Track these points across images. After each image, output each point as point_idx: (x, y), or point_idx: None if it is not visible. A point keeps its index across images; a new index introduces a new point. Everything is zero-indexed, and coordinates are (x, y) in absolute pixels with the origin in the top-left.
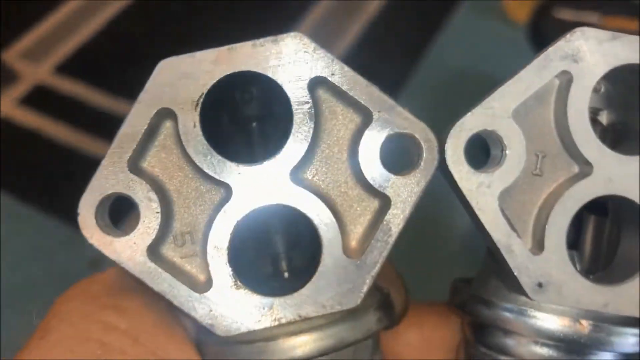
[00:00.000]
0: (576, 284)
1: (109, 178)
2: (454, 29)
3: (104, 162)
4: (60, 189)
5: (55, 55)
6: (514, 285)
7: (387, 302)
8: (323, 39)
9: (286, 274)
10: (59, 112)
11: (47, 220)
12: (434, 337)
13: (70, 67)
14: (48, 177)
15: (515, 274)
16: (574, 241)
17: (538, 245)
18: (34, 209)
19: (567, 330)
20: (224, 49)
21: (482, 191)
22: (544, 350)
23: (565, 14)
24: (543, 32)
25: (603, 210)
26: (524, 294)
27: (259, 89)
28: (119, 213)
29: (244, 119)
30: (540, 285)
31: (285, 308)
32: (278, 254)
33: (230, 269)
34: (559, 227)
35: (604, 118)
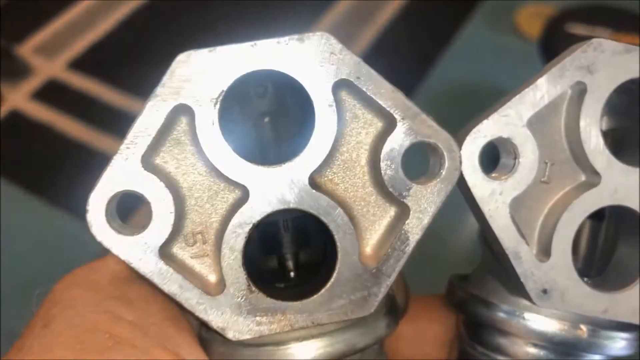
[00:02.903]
0: (579, 291)
1: (121, 175)
2: (465, 42)
3: (116, 158)
4: (69, 183)
5: (69, 51)
6: (517, 289)
7: (394, 306)
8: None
9: (292, 273)
10: (71, 107)
11: (54, 213)
12: (428, 332)
13: (84, 63)
14: (57, 171)
15: (521, 279)
16: None
17: (544, 252)
18: (42, 201)
19: (567, 334)
20: (246, 45)
21: (494, 198)
22: (539, 352)
23: (577, 28)
24: (555, 47)
25: (599, 215)
26: (528, 298)
27: (274, 83)
28: (123, 208)
29: (257, 113)
30: (545, 291)
31: (299, 313)
32: (286, 252)
33: (244, 272)
34: (565, 235)
35: (603, 124)
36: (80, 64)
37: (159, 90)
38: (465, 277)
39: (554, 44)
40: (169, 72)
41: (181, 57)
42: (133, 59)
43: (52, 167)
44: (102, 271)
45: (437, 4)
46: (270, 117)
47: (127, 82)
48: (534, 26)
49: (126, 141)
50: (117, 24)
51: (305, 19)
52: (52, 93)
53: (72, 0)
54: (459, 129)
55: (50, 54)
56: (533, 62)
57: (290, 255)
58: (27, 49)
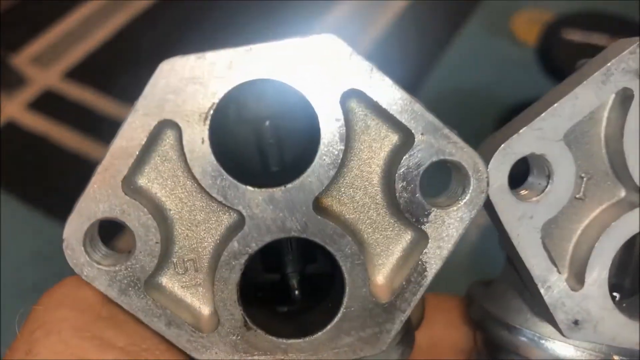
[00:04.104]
0: (613, 321)
1: (100, 200)
2: (461, 48)
3: (93, 181)
4: (65, 193)
5: (64, 61)
6: (543, 314)
7: (409, 329)
8: None
9: (297, 292)
10: (67, 117)
11: (51, 223)
12: (444, 338)
13: (80, 73)
14: (53, 181)
15: (550, 310)
16: None
17: (577, 279)
18: (38, 212)
19: None
20: (240, 50)
21: (524, 222)
22: None
23: (575, 35)
24: (552, 53)
25: None
26: (557, 328)
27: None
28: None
29: (256, 116)
30: (576, 322)
31: (301, 352)
32: (289, 272)
33: (240, 308)
34: (602, 261)
35: None
36: (76, 74)
37: (140, 103)
38: (487, 283)
39: (551, 50)
40: (151, 82)
41: (165, 65)
42: (129, 68)
43: (49, 178)
44: (92, 287)
45: (433, 10)
46: (271, 120)
47: (123, 91)
48: (530, 32)
49: (104, 162)
50: (113, 33)
51: (301, 27)
52: (48, 103)
53: (67, 10)
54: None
55: (45, 63)
56: (529, 68)
57: (294, 274)
58: (22, 59)
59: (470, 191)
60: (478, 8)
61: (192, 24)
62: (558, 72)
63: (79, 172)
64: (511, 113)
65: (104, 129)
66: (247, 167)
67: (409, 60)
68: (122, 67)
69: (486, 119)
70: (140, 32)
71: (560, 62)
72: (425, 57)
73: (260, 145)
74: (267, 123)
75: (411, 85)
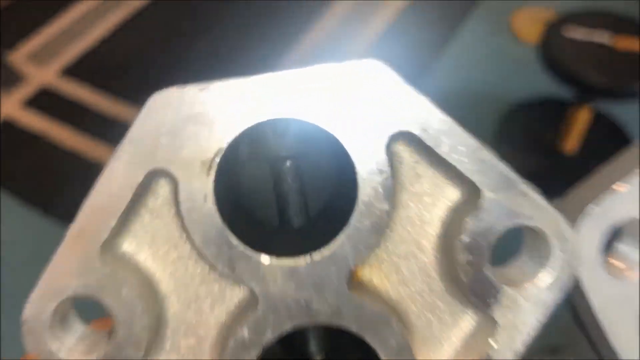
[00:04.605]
0: None
1: (72, 273)
2: (463, 47)
3: (64, 246)
4: (62, 192)
5: (61, 59)
6: None
7: None
8: (331, 51)
9: None
10: (64, 115)
11: (48, 223)
12: None
13: (77, 71)
14: (51, 180)
15: None
16: None
17: None
18: (36, 211)
19: None
20: (255, 79)
21: (619, 306)
22: None
23: (576, 33)
24: (553, 51)
25: None
26: None
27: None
28: None
29: (275, 156)
30: None
31: None
32: (313, 353)
33: None
34: None
35: None
36: (73, 71)
37: (125, 147)
38: (553, 351)
39: (552, 49)
40: (138, 120)
41: (157, 98)
42: (127, 66)
43: (46, 175)
44: None
45: (433, 9)
46: (293, 160)
47: (120, 89)
48: (531, 30)
49: (77, 223)
50: (111, 30)
51: (300, 27)
52: (45, 101)
53: (64, 7)
54: None
55: (42, 61)
56: (530, 67)
57: (319, 356)
58: (19, 57)
59: (553, 266)
60: (478, 7)
61: (191, 19)
62: (559, 71)
63: (76, 170)
64: (512, 112)
65: (101, 127)
66: (261, 219)
67: (409, 60)
68: (118, 64)
69: (487, 118)
70: (137, 29)
71: (561, 61)
72: (425, 56)
73: (278, 192)
74: (288, 164)
75: (411, 86)
